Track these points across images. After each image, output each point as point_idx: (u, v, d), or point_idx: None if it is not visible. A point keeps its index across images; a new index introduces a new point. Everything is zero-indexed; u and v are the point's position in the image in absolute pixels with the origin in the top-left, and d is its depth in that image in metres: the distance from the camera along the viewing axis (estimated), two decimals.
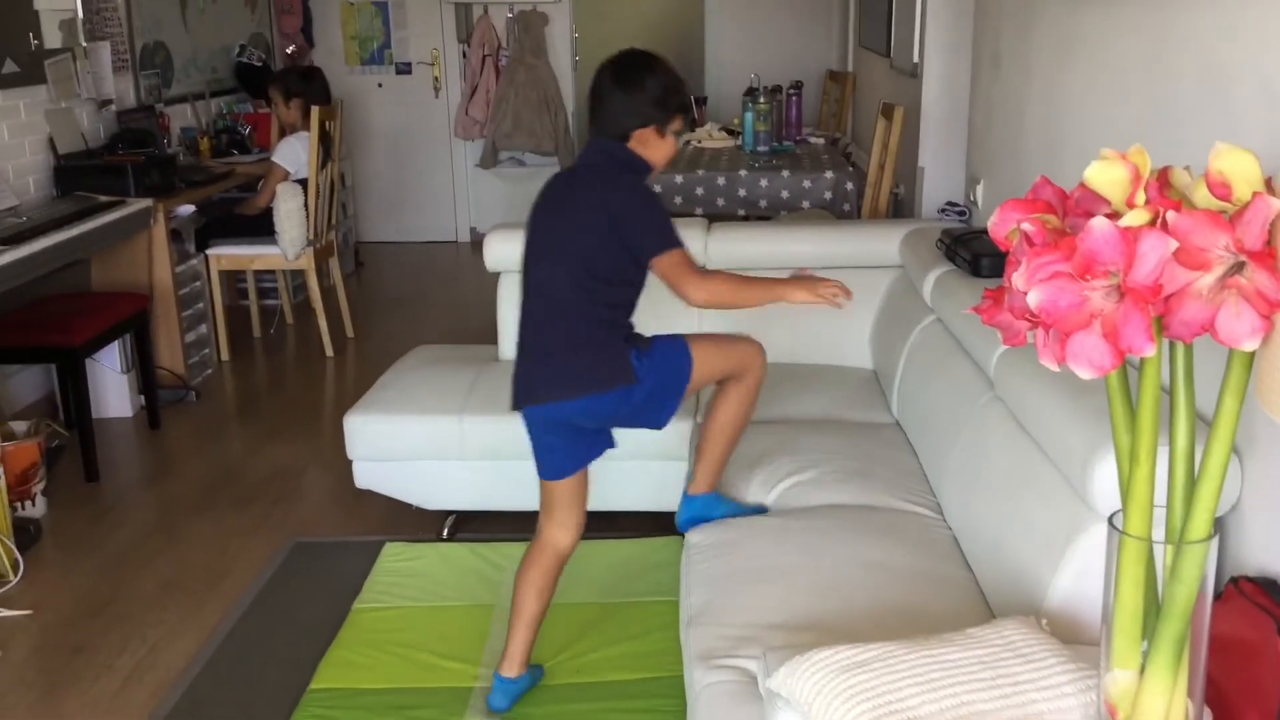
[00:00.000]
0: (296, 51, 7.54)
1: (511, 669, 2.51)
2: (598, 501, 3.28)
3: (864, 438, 2.94)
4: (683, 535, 2.57)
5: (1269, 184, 1.12)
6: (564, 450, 2.46)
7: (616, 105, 2.38)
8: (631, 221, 2.33)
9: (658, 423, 2.48)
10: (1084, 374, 1.14)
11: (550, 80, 7.81)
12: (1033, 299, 1.14)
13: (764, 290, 2.44)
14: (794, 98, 6.31)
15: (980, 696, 1.47)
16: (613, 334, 2.38)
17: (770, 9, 8.05)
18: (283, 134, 5.48)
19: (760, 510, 2.62)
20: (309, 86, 5.33)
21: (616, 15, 9.12)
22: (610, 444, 2.53)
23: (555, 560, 2.51)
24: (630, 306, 2.44)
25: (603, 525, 3.34)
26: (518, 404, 2.44)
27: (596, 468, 3.24)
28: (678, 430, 3.15)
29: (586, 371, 2.35)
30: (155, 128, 5.51)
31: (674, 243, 2.34)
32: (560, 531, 2.50)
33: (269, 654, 2.85)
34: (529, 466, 3.28)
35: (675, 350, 2.44)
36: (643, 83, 2.38)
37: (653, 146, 2.41)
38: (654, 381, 2.40)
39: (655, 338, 2.45)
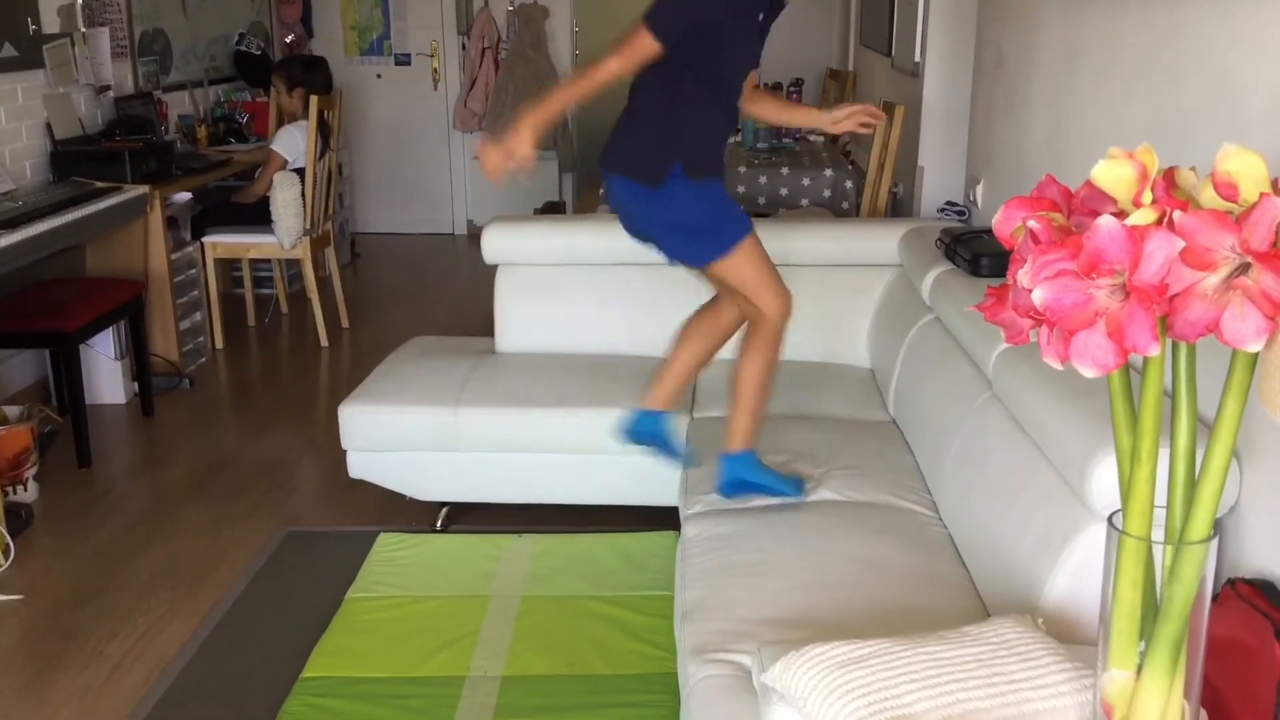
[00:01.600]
0: (295, 41, 7.52)
1: (655, 402, 2.67)
2: (596, 495, 3.31)
3: (860, 436, 2.94)
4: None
5: (1276, 185, 1.12)
6: (637, 227, 2.59)
7: None
8: None
9: (668, 252, 2.59)
10: (1088, 372, 1.14)
11: (550, 74, 7.79)
12: (1038, 297, 1.14)
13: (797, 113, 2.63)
14: (794, 95, 6.31)
15: (976, 694, 1.47)
16: (671, 137, 2.47)
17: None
18: (281, 122, 5.46)
19: (799, 486, 2.55)
20: (311, 76, 5.32)
21: (617, 9, 9.09)
22: (669, 256, 2.63)
23: (715, 326, 2.65)
24: (697, 126, 2.49)
25: (597, 519, 3.35)
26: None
27: (590, 463, 3.26)
28: (677, 426, 3.15)
29: (630, 153, 2.50)
30: (153, 115, 5.49)
31: (653, 19, 2.37)
32: (722, 312, 2.63)
33: (261, 642, 2.85)
34: (523, 459, 3.30)
35: (728, 218, 2.52)
36: None
37: None
38: (683, 214, 2.48)
39: (721, 194, 2.52)
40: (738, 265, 2.50)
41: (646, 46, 2.38)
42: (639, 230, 2.63)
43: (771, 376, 2.59)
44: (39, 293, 4.15)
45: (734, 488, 2.52)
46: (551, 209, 7.35)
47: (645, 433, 2.63)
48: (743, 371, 2.59)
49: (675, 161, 2.45)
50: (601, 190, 4.46)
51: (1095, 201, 1.19)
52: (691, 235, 2.50)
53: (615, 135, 2.57)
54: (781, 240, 3.68)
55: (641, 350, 3.44)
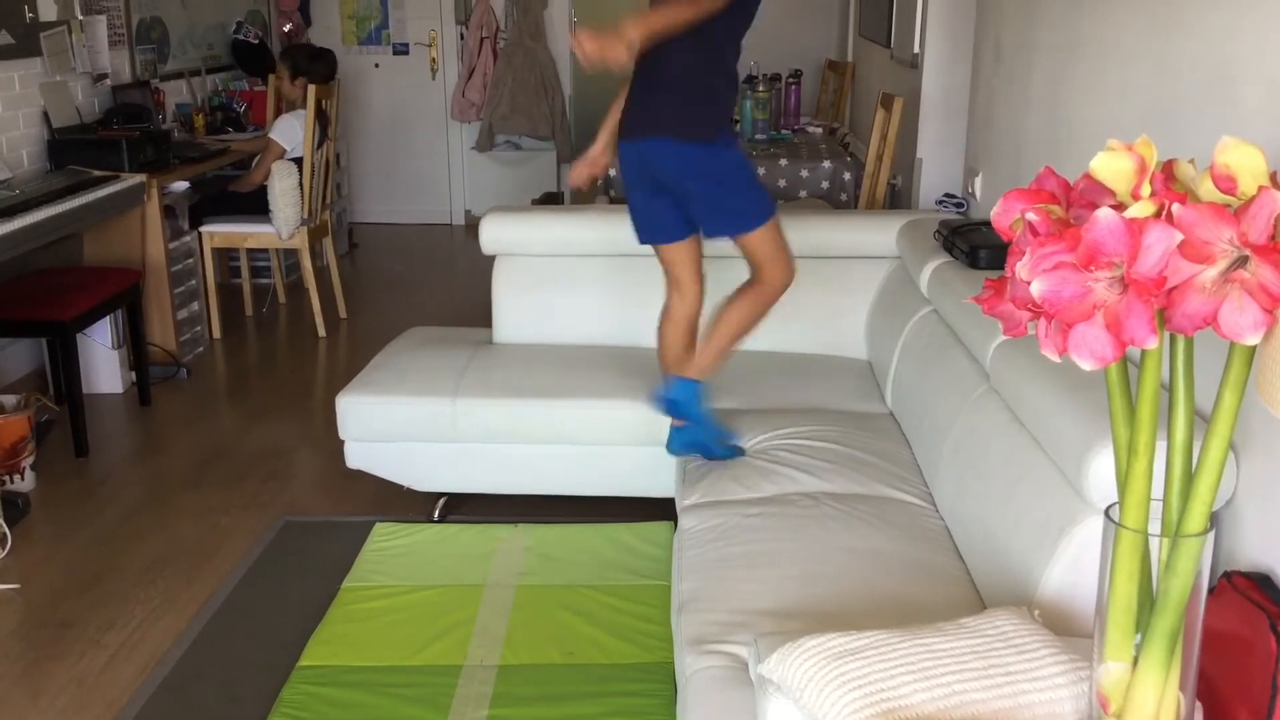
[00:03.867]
0: (294, 29, 7.50)
1: (678, 371, 2.73)
2: (589, 487, 3.31)
3: (858, 427, 2.94)
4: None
5: (1275, 178, 1.12)
6: (658, 209, 2.65)
7: None
8: None
9: (707, 224, 2.68)
10: (1085, 365, 1.14)
11: (548, 64, 7.78)
12: (1036, 289, 1.14)
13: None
14: (793, 86, 6.29)
15: (972, 686, 1.48)
16: (716, 101, 2.60)
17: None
18: (280, 109, 5.44)
19: (731, 448, 2.70)
20: (316, 66, 5.30)
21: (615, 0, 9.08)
22: (693, 230, 2.71)
23: (683, 325, 2.73)
24: (731, 93, 2.67)
25: (594, 510, 3.35)
26: (620, 137, 2.67)
27: (588, 454, 3.26)
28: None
29: (679, 114, 2.56)
30: (150, 103, 5.48)
31: None
32: (681, 300, 2.71)
33: (257, 631, 2.85)
34: (521, 450, 3.30)
35: (758, 193, 2.67)
36: None
37: None
38: (726, 176, 2.61)
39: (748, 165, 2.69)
40: (768, 236, 2.68)
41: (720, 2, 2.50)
42: (661, 217, 2.70)
43: (752, 327, 2.75)
44: (36, 281, 4.15)
45: (671, 406, 2.65)
46: (549, 200, 7.34)
47: (682, 409, 2.73)
48: (729, 313, 2.72)
49: (722, 124, 2.61)
50: (611, 173, 4.47)
51: (1094, 194, 1.19)
52: (737, 197, 2.64)
53: (647, 102, 2.63)
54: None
55: (639, 341, 3.44)
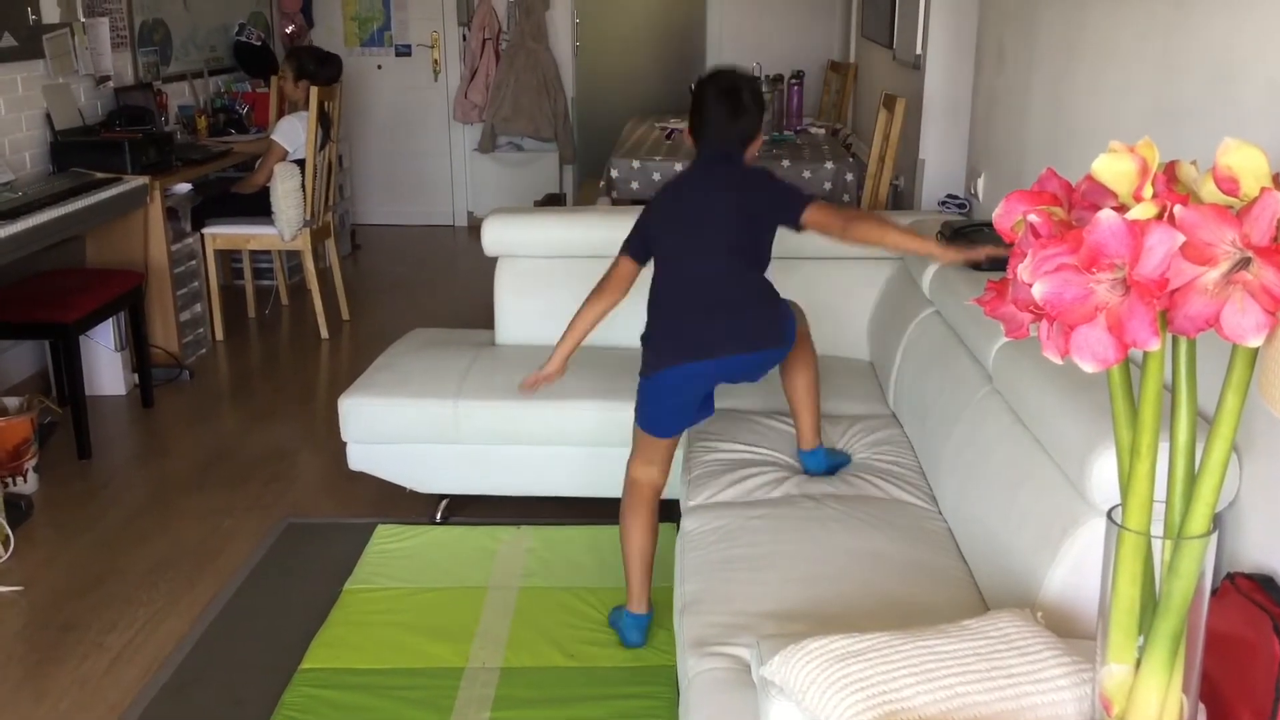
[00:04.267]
0: (296, 31, 7.51)
1: (641, 606, 2.72)
2: (593, 489, 3.30)
3: (860, 429, 2.93)
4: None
5: (1277, 180, 1.12)
6: (688, 411, 2.66)
7: (746, 120, 2.66)
8: (771, 199, 2.61)
9: (758, 376, 2.73)
10: (1087, 367, 1.14)
11: (550, 65, 7.78)
12: (1038, 291, 1.14)
13: (910, 239, 2.59)
14: (795, 87, 6.29)
15: (975, 688, 1.47)
16: (776, 295, 2.65)
17: (767, 7, 8.02)
18: (282, 109, 5.43)
19: (848, 456, 2.82)
20: (320, 70, 5.29)
21: (618, 1, 9.09)
22: (713, 409, 2.74)
23: (655, 497, 2.70)
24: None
25: (596, 511, 3.34)
26: (679, 360, 2.60)
27: (590, 456, 3.26)
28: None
29: (771, 326, 2.61)
30: (153, 105, 5.48)
31: (811, 198, 2.60)
32: (659, 475, 2.70)
33: (259, 634, 2.85)
34: (523, 451, 3.30)
35: (789, 313, 2.69)
36: (759, 101, 2.72)
37: (751, 155, 2.72)
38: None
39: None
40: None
41: None
42: (689, 416, 2.71)
43: (818, 377, 2.81)
44: (39, 283, 4.15)
45: (826, 471, 2.73)
46: (551, 201, 7.35)
47: (646, 626, 2.77)
48: (798, 384, 2.78)
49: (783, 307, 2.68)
50: (614, 173, 4.48)
51: (1096, 195, 1.19)
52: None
53: (750, 320, 2.62)
54: (782, 233, 3.67)
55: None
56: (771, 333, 2.61)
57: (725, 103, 2.64)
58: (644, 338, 2.65)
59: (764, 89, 5.72)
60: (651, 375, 2.60)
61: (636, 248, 2.67)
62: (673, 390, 2.60)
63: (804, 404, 2.77)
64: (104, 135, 4.87)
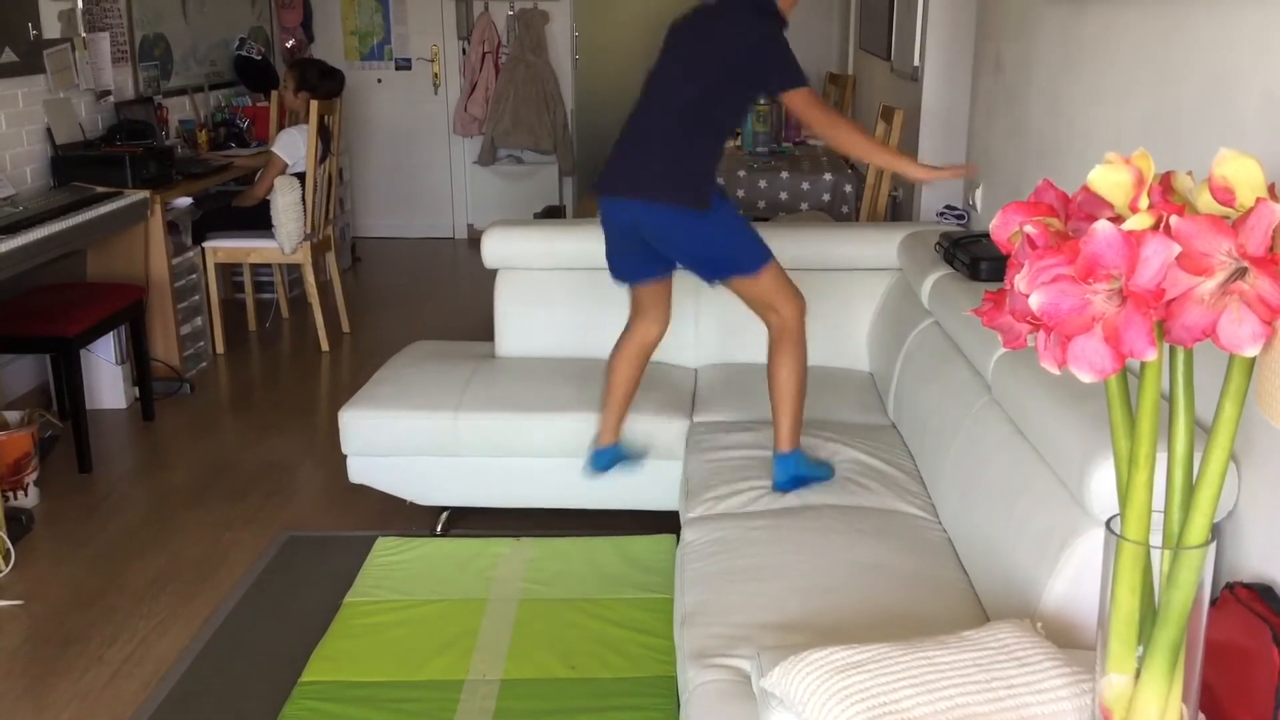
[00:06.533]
0: (296, 46, 7.53)
1: (608, 437, 2.82)
2: (594, 499, 3.30)
3: (860, 439, 2.94)
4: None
5: (1272, 190, 1.12)
6: (634, 257, 2.71)
7: None
8: (771, 57, 2.58)
9: (706, 276, 2.73)
10: (1085, 377, 1.14)
11: (550, 78, 7.80)
12: (1035, 302, 1.14)
13: (882, 152, 2.63)
14: None
15: (975, 699, 1.47)
16: (710, 165, 2.62)
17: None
18: (283, 120, 5.44)
19: (830, 469, 2.74)
20: (322, 83, 5.30)
21: (617, 14, 9.11)
22: (669, 270, 2.77)
23: (646, 348, 2.80)
24: (723, 149, 2.69)
25: (596, 523, 3.35)
26: (601, 190, 2.69)
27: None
28: (673, 430, 3.15)
29: (675, 182, 2.58)
30: (153, 119, 5.50)
31: (804, 80, 2.59)
32: (651, 326, 2.78)
33: (260, 647, 2.85)
34: (523, 463, 3.30)
35: (750, 238, 2.69)
36: None
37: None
38: (718, 234, 2.64)
39: (737, 213, 2.71)
40: (766, 279, 2.70)
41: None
42: (642, 262, 2.75)
43: (803, 376, 2.76)
44: (40, 298, 4.16)
45: (790, 484, 2.66)
46: (551, 213, 7.35)
47: (609, 463, 2.87)
48: (777, 379, 2.74)
49: (714, 187, 2.64)
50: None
51: (1092, 206, 1.19)
52: (732, 252, 2.68)
53: (640, 164, 2.64)
54: (781, 244, 3.67)
55: None
56: (653, 186, 2.59)
57: None
58: None
59: (763, 102, 5.74)
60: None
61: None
62: (602, 221, 2.71)
63: (780, 402, 2.72)
64: (105, 150, 4.89)
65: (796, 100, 2.56)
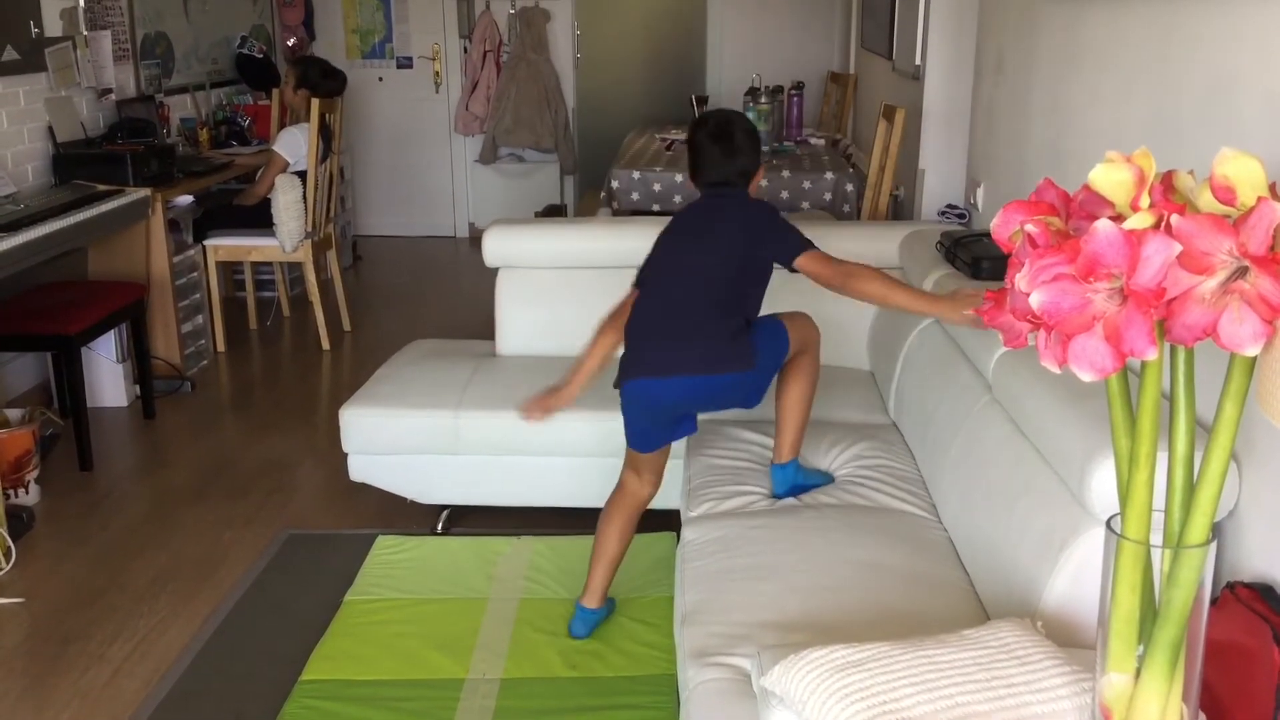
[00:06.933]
0: (298, 44, 7.53)
1: (593, 601, 2.79)
2: (595, 499, 3.30)
3: (860, 438, 2.93)
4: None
5: (1274, 189, 1.12)
6: (656, 430, 2.70)
7: (743, 158, 2.72)
8: (770, 234, 2.63)
9: (752, 402, 2.70)
10: (1085, 376, 1.14)
11: (551, 77, 7.80)
12: (1035, 300, 1.14)
13: (916, 298, 2.54)
14: (795, 98, 6.30)
15: (975, 698, 1.47)
16: (743, 327, 2.63)
17: (773, 9, 8.04)
18: (283, 119, 5.44)
19: (829, 475, 2.77)
20: (324, 83, 5.30)
21: (618, 13, 9.11)
22: (694, 428, 2.76)
23: (638, 509, 2.78)
24: (758, 307, 2.71)
25: (597, 522, 3.34)
26: (641, 374, 2.65)
27: (590, 466, 3.26)
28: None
29: (715, 354, 2.59)
30: (155, 118, 5.50)
31: (809, 244, 2.61)
32: (644, 487, 2.76)
33: (260, 645, 2.85)
34: (524, 462, 3.30)
35: (776, 332, 2.68)
36: (754, 138, 2.77)
37: (754, 187, 2.77)
38: (767, 363, 2.66)
39: (757, 321, 2.69)
40: (793, 339, 2.73)
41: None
42: (667, 432, 2.73)
43: (812, 396, 2.79)
44: (41, 296, 4.16)
45: (789, 493, 2.68)
46: (552, 212, 7.36)
47: (592, 627, 2.83)
48: (788, 396, 2.75)
49: (749, 337, 2.65)
50: (614, 184, 4.51)
51: (1093, 205, 1.19)
52: (770, 362, 2.68)
53: (685, 344, 2.61)
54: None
55: None
56: (720, 361, 2.59)
57: (719, 145, 2.70)
58: None
59: (764, 101, 5.74)
60: (619, 389, 2.68)
61: (643, 275, 2.74)
62: (629, 405, 2.67)
63: (788, 416, 2.75)
64: (106, 148, 4.89)
65: (808, 264, 2.58)
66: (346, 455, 3.37)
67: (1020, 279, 1.16)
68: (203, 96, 6.30)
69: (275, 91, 6.01)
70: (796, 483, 2.68)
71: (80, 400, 3.93)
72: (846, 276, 2.54)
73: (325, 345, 5.37)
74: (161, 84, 5.85)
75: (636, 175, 5.17)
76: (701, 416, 3.18)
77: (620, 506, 2.77)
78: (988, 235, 2.93)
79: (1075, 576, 1.85)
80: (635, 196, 5.16)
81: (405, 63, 7.87)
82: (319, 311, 5.34)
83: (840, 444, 2.90)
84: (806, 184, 5.09)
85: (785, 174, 5.12)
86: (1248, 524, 1.78)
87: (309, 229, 5.22)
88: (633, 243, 3.57)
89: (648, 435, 2.70)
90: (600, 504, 3.30)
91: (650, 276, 2.71)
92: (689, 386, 2.63)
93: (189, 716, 2.58)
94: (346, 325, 5.66)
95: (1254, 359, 1.16)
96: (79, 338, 3.94)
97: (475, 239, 7.71)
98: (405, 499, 3.42)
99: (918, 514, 2.51)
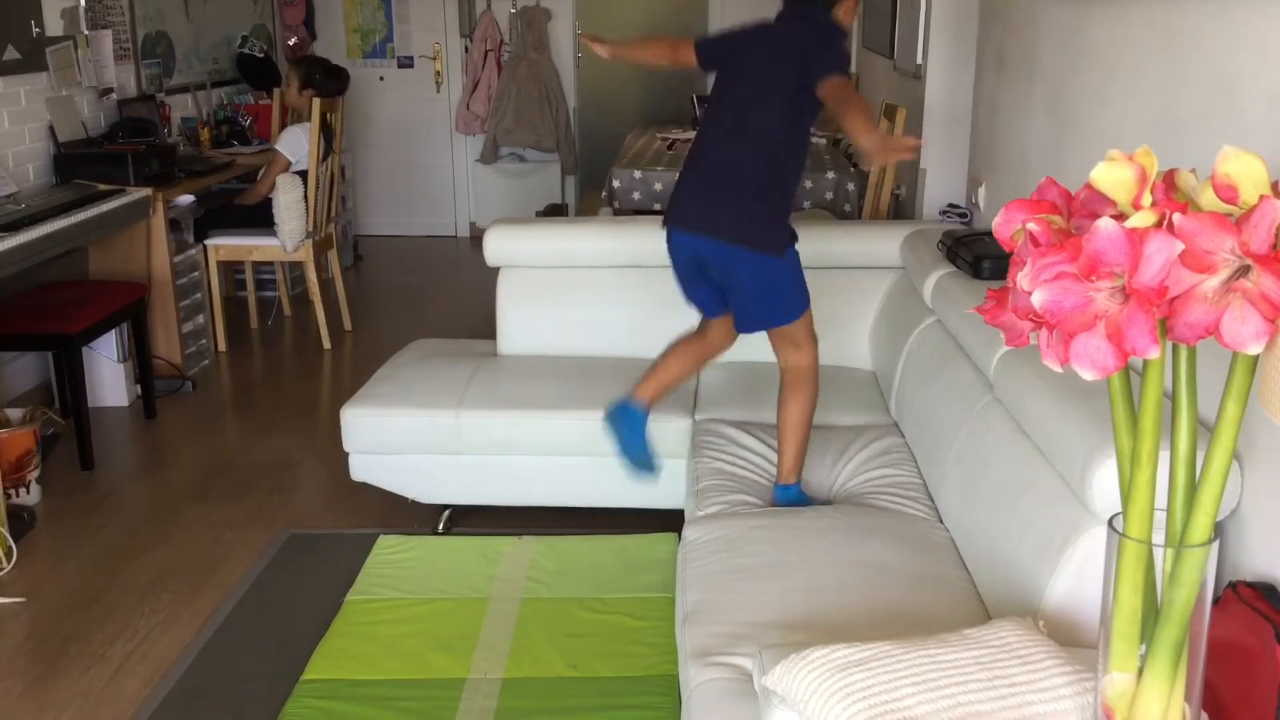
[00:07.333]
0: (299, 43, 7.53)
1: (644, 395, 2.87)
2: (596, 498, 3.31)
3: (862, 438, 2.93)
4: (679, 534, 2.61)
5: (1276, 188, 1.12)
6: (704, 290, 2.76)
7: None
8: (823, 50, 2.61)
9: (741, 321, 2.75)
10: (1087, 375, 1.14)
11: (552, 76, 7.80)
12: (1037, 299, 1.14)
13: (862, 132, 2.53)
14: None
15: (977, 697, 1.47)
16: (787, 207, 2.66)
17: (773, 7, 8.01)
18: (284, 119, 5.43)
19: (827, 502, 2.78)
20: (327, 82, 5.30)
21: (619, 12, 9.11)
22: (725, 307, 2.79)
23: (708, 355, 2.85)
24: (798, 184, 2.71)
25: (598, 521, 3.35)
26: (669, 221, 2.72)
27: (592, 466, 3.26)
28: (677, 429, 3.15)
29: (754, 225, 2.61)
30: (156, 117, 5.50)
31: (845, 73, 2.58)
32: (722, 338, 2.83)
33: (262, 645, 2.85)
34: (525, 462, 3.30)
35: (803, 286, 2.72)
36: None
37: (845, 10, 2.75)
38: (782, 285, 2.69)
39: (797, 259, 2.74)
40: (801, 324, 2.76)
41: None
42: (714, 300, 2.79)
43: (812, 415, 2.79)
44: (42, 295, 4.16)
45: (793, 502, 2.69)
46: (553, 211, 7.36)
47: (622, 419, 2.86)
48: (788, 415, 2.76)
49: (788, 230, 2.68)
50: (615, 184, 4.52)
51: (1095, 204, 1.19)
52: (778, 303, 2.72)
53: (715, 201, 2.65)
54: None
55: (643, 352, 3.42)
56: (729, 226, 2.62)
57: None
58: None
59: None
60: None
61: (704, 46, 2.80)
62: (670, 252, 2.75)
63: (787, 436, 2.75)
64: (107, 147, 4.89)
65: (828, 90, 2.54)
66: (347, 455, 3.37)
67: (1022, 278, 1.16)
68: (203, 96, 6.30)
69: (276, 91, 6.00)
70: (794, 500, 2.70)
71: (81, 400, 3.93)
72: (845, 109, 2.51)
73: (326, 345, 5.37)
74: (162, 83, 5.85)
75: (637, 175, 5.17)
76: (700, 415, 3.19)
77: (691, 345, 2.84)
78: (989, 234, 2.93)
79: (1077, 576, 1.84)
80: (636, 196, 5.16)
81: (406, 62, 7.87)
82: (320, 311, 5.34)
83: (842, 446, 2.90)
84: (808, 183, 5.09)
85: None
86: (1250, 523, 1.78)
87: (310, 228, 5.22)
88: (633, 242, 3.58)
89: (696, 292, 2.77)
90: (600, 503, 3.31)
91: (710, 119, 2.72)
92: (708, 247, 2.67)
93: (190, 716, 2.58)
94: (348, 325, 5.66)
95: (1256, 358, 1.16)
96: (80, 337, 3.94)
97: (476, 238, 7.70)
98: (406, 499, 3.42)
99: (919, 514, 2.51)
